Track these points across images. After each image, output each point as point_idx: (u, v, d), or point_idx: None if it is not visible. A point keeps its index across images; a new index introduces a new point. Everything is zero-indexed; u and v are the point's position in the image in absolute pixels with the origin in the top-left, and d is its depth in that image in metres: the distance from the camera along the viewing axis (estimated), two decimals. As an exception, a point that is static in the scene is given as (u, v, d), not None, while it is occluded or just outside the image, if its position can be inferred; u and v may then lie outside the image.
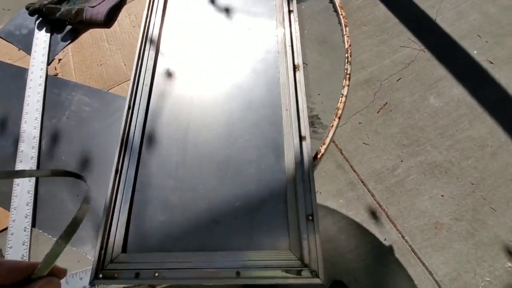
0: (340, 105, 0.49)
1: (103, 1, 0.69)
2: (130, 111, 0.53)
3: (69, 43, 0.69)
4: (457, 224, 0.99)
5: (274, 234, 0.41)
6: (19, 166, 0.55)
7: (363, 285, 0.94)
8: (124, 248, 0.43)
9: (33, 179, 0.54)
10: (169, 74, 0.56)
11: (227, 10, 0.62)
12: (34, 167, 0.55)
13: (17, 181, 0.54)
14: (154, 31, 0.61)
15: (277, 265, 0.39)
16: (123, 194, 0.46)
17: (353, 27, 1.37)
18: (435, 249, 0.97)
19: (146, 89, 0.54)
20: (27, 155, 0.56)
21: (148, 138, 0.50)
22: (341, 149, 1.15)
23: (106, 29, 0.68)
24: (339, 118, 0.49)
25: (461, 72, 1.22)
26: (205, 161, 0.47)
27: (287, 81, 0.50)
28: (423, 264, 0.95)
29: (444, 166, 1.07)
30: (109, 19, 0.69)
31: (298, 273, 0.38)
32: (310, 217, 0.40)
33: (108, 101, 0.58)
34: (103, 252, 0.42)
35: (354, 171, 1.11)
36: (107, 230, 0.44)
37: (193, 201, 0.45)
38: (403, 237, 1.00)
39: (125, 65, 0.62)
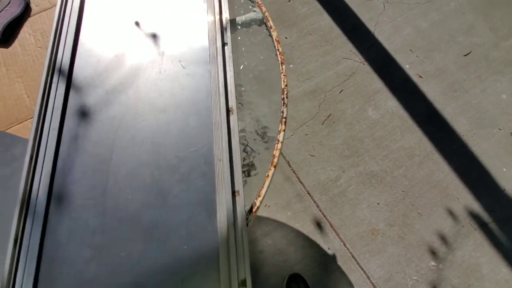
0: (276, 152, 0.48)
1: (-3, 13, 0.56)
2: (33, 162, 0.44)
3: (-48, 64, 0.55)
4: (390, 230, 1.09)
5: (205, 305, 0.38)
6: None
7: (309, 295, 0.98)
8: None
9: None
10: (83, 114, 0.48)
11: (153, 36, 0.55)
12: None
13: None
14: (64, 57, 0.52)
15: None
16: (24, 269, 0.39)
17: (300, 36, 1.38)
18: (372, 254, 1.05)
19: (54, 133, 0.46)
20: None
21: (57, 198, 0.43)
22: (288, 161, 1.17)
23: (3, 49, 0.56)
24: (275, 166, 0.47)
25: (395, 85, 1.32)
26: (128, 225, 0.42)
27: (220, 127, 0.47)
28: (362, 269, 1.03)
29: (380, 175, 1.16)
30: (7, 37, 0.56)
31: None
32: (243, 283, 0.38)
33: (5, 144, 0.48)
34: None
35: (301, 182, 1.14)
36: (2, 321, 0.36)
37: (114, 274, 0.39)
38: (344, 245, 1.06)
39: (28, 97, 0.52)
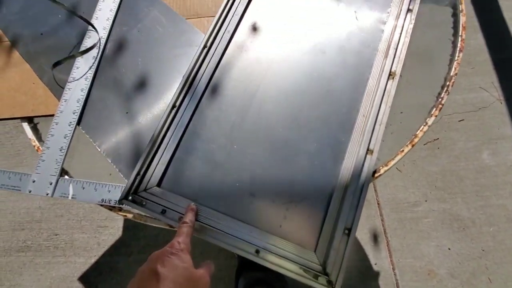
0: (419, 134, 0.45)
1: None
2: (205, 51, 0.50)
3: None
4: (450, 280, 0.98)
5: (305, 231, 0.40)
6: (79, 61, 0.54)
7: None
8: (159, 183, 0.43)
9: (90, 79, 0.53)
10: (254, 29, 0.52)
11: (339, -18, 0.55)
12: (94, 68, 0.54)
13: (74, 75, 0.54)
14: (254, -25, 0.55)
15: (297, 260, 0.38)
16: (173, 132, 0.45)
17: (438, 46, 1.24)
18: (418, 293, 0.97)
19: (227, 36, 0.51)
20: (89, 54, 0.55)
21: (213, 87, 0.48)
22: (371, 164, 1.11)
23: (205, -48, 0.62)
24: (413, 146, 0.45)
25: (529, 139, 1.12)
26: (262, 133, 0.45)
27: (376, 86, 0.46)
28: (401, 301, 0.96)
29: (465, 223, 1.03)
30: None
31: (315, 277, 0.37)
32: (347, 231, 0.39)
33: (183, 30, 0.55)
34: (139, 178, 0.43)
35: (375, 190, 1.08)
36: (149, 160, 0.44)
37: (237, 166, 0.44)
38: (393, 269, 1.00)
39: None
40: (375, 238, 1.04)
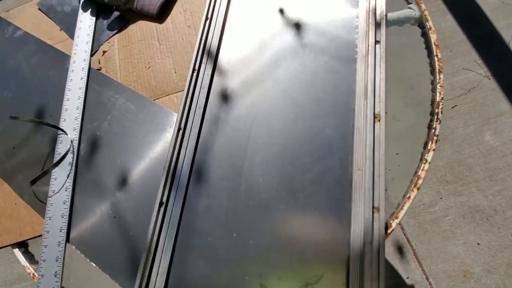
0: (422, 174, 0.43)
1: (158, -9, 0.61)
2: (181, 134, 0.48)
3: (115, 33, 0.63)
4: (488, 277, 0.93)
5: (329, 317, 0.37)
6: (56, 172, 0.52)
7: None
8: (163, 298, 0.40)
9: (70, 189, 0.51)
10: (225, 97, 0.50)
11: (298, 26, 0.53)
12: (72, 175, 0.51)
13: (53, 187, 0.51)
14: (213, 42, 0.54)
15: None
16: (166, 233, 0.42)
17: (412, 37, 1.23)
18: (460, 298, 0.92)
19: (200, 111, 0.49)
20: (64, 161, 0.53)
21: (197, 173, 0.46)
22: (376, 173, 1.08)
23: (157, 25, 0.61)
24: (418, 189, 0.42)
25: (527, 109, 1.10)
26: (258, 213, 0.42)
27: (364, 133, 0.43)
28: (444, 311, 0.92)
29: (487, 212, 0.99)
30: (162, 13, 0.61)
31: None
32: (375, 310, 0.36)
33: (153, 113, 0.53)
34: (140, 297, 0.40)
35: (387, 199, 1.05)
36: (147, 273, 0.40)
37: (241, 256, 0.41)
38: (427, 278, 0.95)
39: (175, 73, 0.56)
40: (399, 249, 1.00)
